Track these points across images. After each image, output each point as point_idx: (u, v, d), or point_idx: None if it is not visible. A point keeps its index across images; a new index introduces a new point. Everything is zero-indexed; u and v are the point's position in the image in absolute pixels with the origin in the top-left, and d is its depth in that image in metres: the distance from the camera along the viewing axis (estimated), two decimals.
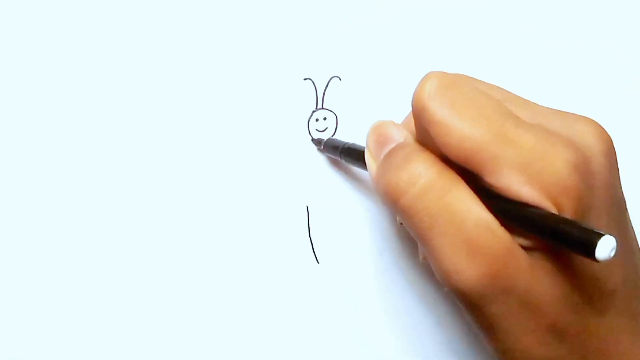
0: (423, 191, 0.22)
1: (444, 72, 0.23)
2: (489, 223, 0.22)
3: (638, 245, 0.26)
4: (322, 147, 0.34)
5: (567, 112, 0.24)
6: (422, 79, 0.23)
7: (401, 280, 0.34)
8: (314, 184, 0.34)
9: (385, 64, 0.34)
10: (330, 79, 0.34)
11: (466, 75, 0.24)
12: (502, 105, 0.23)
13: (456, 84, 0.23)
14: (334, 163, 0.34)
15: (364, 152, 0.27)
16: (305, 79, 0.34)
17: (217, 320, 0.34)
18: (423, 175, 0.22)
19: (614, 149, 0.24)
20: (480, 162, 0.22)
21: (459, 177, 0.23)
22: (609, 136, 0.24)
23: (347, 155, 0.31)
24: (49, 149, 0.34)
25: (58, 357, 0.33)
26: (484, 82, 0.25)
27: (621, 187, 0.25)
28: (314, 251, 0.34)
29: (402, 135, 0.25)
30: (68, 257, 0.33)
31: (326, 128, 0.34)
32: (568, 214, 0.21)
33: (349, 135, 0.34)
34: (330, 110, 0.34)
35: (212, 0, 0.34)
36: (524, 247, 0.22)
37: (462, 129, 0.22)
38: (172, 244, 0.34)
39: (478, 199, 0.22)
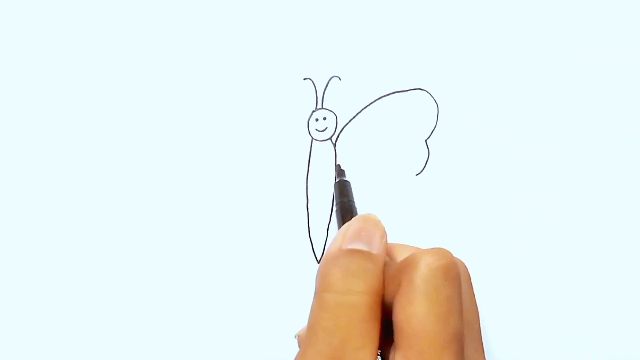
0: (349, 306, 0.23)
1: (453, 258, 0.22)
2: None
3: None
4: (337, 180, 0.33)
5: None
6: (431, 251, 0.22)
7: None
8: (315, 183, 0.34)
9: (385, 64, 0.34)
10: (330, 78, 0.34)
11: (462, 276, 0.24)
12: (462, 332, 0.22)
13: (453, 275, 0.22)
14: (334, 162, 0.34)
15: (348, 214, 0.28)
16: (305, 79, 0.34)
17: (217, 320, 0.33)
18: (361, 296, 0.23)
19: None
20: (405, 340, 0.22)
21: (378, 330, 0.23)
22: None
23: (339, 209, 0.31)
24: (50, 151, 0.34)
25: (58, 357, 0.33)
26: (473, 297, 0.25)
27: None
28: (313, 251, 0.34)
29: (379, 249, 0.25)
30: (68, 257, 0.33)
31: (326, 128, 0.34)
32: None
33: (349, 136, 0.34)
34: (330, 110, 0.34)
35: (213, 0, 0.34)
36: None
37: (422, 314, 0.21)
38: (173, 243, 0.34)
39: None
